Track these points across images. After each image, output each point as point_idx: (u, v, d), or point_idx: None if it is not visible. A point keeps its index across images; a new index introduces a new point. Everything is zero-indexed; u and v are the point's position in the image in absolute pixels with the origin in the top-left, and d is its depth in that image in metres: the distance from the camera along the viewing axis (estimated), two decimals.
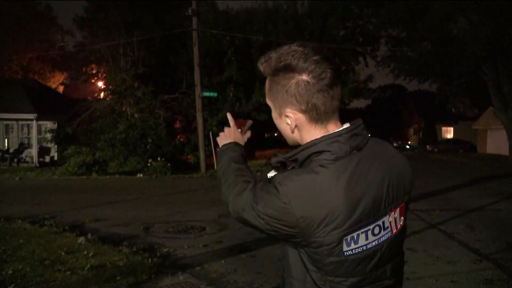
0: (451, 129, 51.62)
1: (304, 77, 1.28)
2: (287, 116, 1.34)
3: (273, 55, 1.33)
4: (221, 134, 1.71)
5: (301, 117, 1.32)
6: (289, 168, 1.34)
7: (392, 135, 57.87)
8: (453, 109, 51.72)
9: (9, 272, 5.34)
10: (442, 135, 53.08)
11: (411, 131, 62.22)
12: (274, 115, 1.41)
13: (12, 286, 4.80)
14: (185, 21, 22.42)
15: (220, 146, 1.67)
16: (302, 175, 1.27)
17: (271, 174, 1.36)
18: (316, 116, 1.31)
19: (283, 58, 1.30)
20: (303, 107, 1.30)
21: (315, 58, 1.28)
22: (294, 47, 1.30)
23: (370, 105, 68.45)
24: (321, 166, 1.26)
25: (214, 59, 25.31)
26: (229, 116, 1.77)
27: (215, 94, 22.21)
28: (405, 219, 1.39)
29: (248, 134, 1.75)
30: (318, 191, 1.23)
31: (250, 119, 1.80)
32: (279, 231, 1.28)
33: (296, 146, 1.38)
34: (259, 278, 5.43)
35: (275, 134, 58.09)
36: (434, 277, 5.46)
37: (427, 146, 47.57)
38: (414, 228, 7.99)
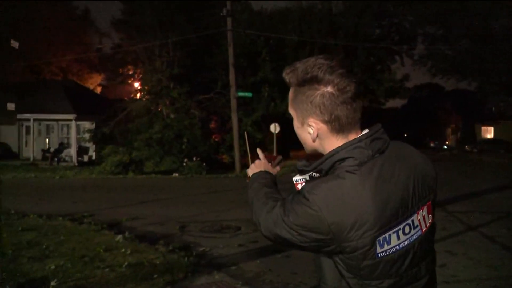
0: (491, 128, 50.11)
1: (329, 89, 1.32)
2: (309, 125, 1.38)
3: (300, 66, 1.38)
4: (251, 165, 1.77)
5: (323, 127, 1.36)
6: (316, 176, 1.39)
7: (429, 135, 56.66)
8: (493, 108, 50.21)
9: (52, 267, 5.47)
10: (481, 135, 51.62)
11: (449, 131, 60.73)
12: (296, 123, 1.45)
13: (55, 281, 4.92)
14: (219, 22, 22.54)
15: (251, 175, 1.71)
16: (329, 182, 1.30)
17: (296, 177, 1.45)
18: (338, 127, 1.35)
19: (309, 70, 1.34)
20: (326, 118, 1.35)
21: (340, 71, 1.32)
22: (320, 60, 1.35)
23: (406, 105, 67.15)
24: (347, 172, 1.30)
25: (249, 59, 25.34)
26: (259, 151, 1.82)
27: (250, 95, 22.24)
28: (433, 217, 1.42)
29: (278, 168, 1.80)
30: (347, 196, 1.27)
31: (280, 155, 1.88)
32: (312, 240, 1.31)
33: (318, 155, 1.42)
34: (295, 279, 5.40)
35: None
36: (475, 281, 5.31)
37: (466, 147, 46.30)
38: (453, 230, 7.79)
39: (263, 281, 5.33)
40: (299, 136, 1.46)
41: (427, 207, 1.39)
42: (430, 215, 1.40)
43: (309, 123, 1.38)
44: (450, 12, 25.47)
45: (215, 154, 23.40)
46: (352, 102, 1.33)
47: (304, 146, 1.47)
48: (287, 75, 1.41)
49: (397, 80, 33.43)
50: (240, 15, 27.37)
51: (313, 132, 1.38)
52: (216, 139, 25.03)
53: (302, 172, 1.43)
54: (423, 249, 1.37)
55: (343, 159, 1.32)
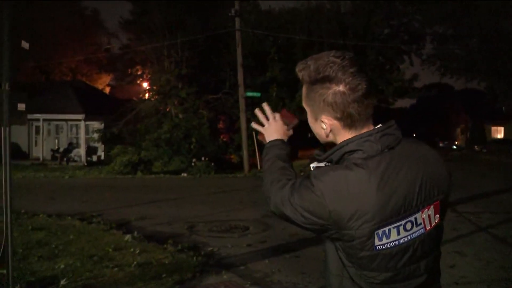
0: (501, 128, 49.76)
1: (341, 88, 1.35)
2: (322, 121, 1.42)
3: (312, 64, 1.40)
4: (267, 128, 1.72)
5: (336, 123, 1.40)
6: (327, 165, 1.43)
7: (438, 135, 56.29)
8: (503, 108, 49.79)
9: (61, 266, 5.51)
10: (491, 135, 51.24)
11: (458, 131, 60.31)
12: (310, 119, 1.49)
13: (64, 280, 4.95)
14: (228, 22, 22.54)
15: (267, 140, 1.69)
16: (336, 171, 1.35)
17: (313, 165, 1.48)
18: (351, 123, 1.39)
19: (321, 69, 1.37)
20: (338, 115, 1.38)
21: (351, 70, 1.34)
22: (332, 58, 1.37)
23: (415, 105, 66.78)
24: (354, 163, 1.33)
25: (257, 59, 25.31)
26: (266, 107, 1.76)
27: (259, 95, 22.24)
28: (440, 217, 1.42)
29: (291, 132, 1.75)
30: (350, 187, 1.30)
31: (295, 116, 1.76)
32: (313, 223, 1.35)
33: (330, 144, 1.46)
34: (304, 279, 5.39)
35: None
36: (486, 282, 5.26)
37: (475, 147, 45.98)
38: (462, 231, 7.74)
39: (272, 281, 5.33)
40: (313, 131, 1.50)
41: (434, 206, 1.39)
42: (437, 215, 1.40)
43: (322, 120, 1.42)
44: (460, 11, 25.29)
45: (223, 154, 23.40)
46: (364, 100, 1.36)
47: (318, 138, 1.51)
48: (299, 72, 1.43)
49: (406, 79, 33.24)
50: (249, 15, 27.37)
51: (326, 128, 1.42)
52: (225, 139, 25.04)
53: (318, 160, 1.47)
54: (425, 248, 1.37)
55: (352, 151, 1.36)
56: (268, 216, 9.14)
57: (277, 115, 1.73)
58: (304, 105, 1.48)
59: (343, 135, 1.41)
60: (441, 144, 50.44)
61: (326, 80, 1.36)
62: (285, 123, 1.72)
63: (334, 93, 1.35)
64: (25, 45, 4.13)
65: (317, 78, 1.38)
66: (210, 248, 6.82)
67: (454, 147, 51.38)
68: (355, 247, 1.32)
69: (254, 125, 1.79)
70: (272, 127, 1.71)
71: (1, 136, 4.00)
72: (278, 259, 6.28)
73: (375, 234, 1.30)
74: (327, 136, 1.44)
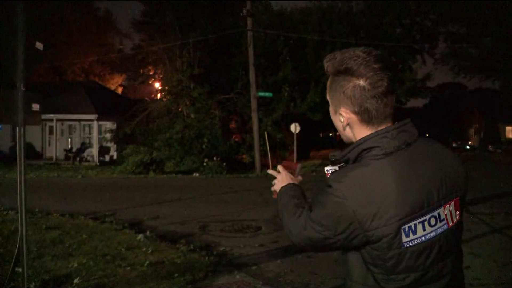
0: None
1: (361, 82, 1.36)
2: (341, 114, 1.44)
3: (338, 56, 1.41)
4: (277, 179, 1.78)
5: (353, 117, 1.41)
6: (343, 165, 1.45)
7: (451, 135, 55.82)
8: None
9: (75, 265, 5.55)
10: (505, 135, 50.71)
11: (472, 131, 59.81)
12: (331, 111, 1.51)
13: (77, 279, 4.99)
14: (239, 22, 22.55)
15: (278, 189, 1.73)
16: (354, 170, 1.35)
17: (328, 168, 1.50)
18: (368, 119, 1.39)
19: (345, 61, 1.38)
20: (356, 109, 1.39)
21: (375, 66, 1.35)
22: (358, 52, 1.38)
23: (428, 104, 66.33)
24: (373, 160, 1.34)
25: (269, 59, 25.28)
26: (269, 171, 1.87)
27: (270, 94, 22.22)
28: (460, 214, 1.43)
29: (300, 178, 1.83)
30: (371, 184, 1.31)
31: (299, 163, 1.88)
32: (339, 232, 1.33)
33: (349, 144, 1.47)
34: (315, 279, 5.37)
35: (330, 134, 57.47)
36: (501, 285, 5.22)
37: (489, 147, 45.55)
38: (477, 232, 7.66)
39: (284, 281, 5.32)
40: (334, 123, 1.52)
41: (454, 202, 1.40)
42: (457, 212, 1.41)
43: (341, 112, 1.44)
44: (474, 9, 25.02)
45: (235, 154, 23.41)
46: (383, 97, 1.36)
47: (340, 134, 1.52)
48: (326, 63, 1.46)
49: (419, 79, 32.99)
50: (260, 15, 27.35)
51: (343, 121, 1.44)
52: (236, 139, 25.05)
53: (333, 163, 1.48)
54: (449, 245, 1.38)
55: (370, 149, 1.36)
56: None
57: (280, 168, 1.79)
58: (327, 96, 1.50)
59: (360, 130, 1.42)
60: (454, 144, 49.99)
61: (348, 72, 1.38)
62: (290, 172, 1.79)
63: (354, 86, 1.37)
64: (39, 46, 4.17)
65: (339, 70, 1.39)
66: (222, 248, 6.82)
67: (468, 147, 50.90)
68: (382, 247, 1.31)
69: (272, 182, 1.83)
70: (278, 178, 1.76)
71: (16, 136, 4.04)
72: (290, 259, 6.26)
73: (402, 230, 1.30)
74: (344, 129, 1.46)
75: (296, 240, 1.48)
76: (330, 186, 1.34)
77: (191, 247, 6.64)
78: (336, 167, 1.46)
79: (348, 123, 1.43)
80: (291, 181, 1.72)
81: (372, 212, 1.29)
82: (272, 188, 1.79)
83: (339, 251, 1.45)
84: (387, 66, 1.37)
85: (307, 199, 1.61)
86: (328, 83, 1.47)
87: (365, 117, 1.39)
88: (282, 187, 1.71)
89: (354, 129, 1.43)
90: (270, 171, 1.84)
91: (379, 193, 1.30)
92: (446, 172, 1.39)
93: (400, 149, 1.35)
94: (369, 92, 1.35)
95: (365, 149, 1.37)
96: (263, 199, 11.87)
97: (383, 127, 1.39)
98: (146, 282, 5.04)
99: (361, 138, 1.39)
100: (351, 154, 1.40)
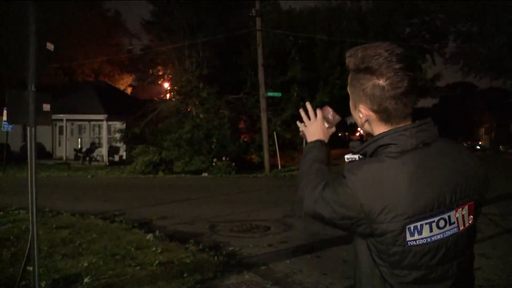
0: None
1: (381, 82, 1.35)
2: (360, 110, 1.45)
3: (360, 53, 1.39)
4: (308, 127, 1.75)
5: (372, 115, 1.42)
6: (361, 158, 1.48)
7: (461, 135, 55.43)
8: None
9: (85, 264, 5.58)
10: None
11: (482, 131, 59.35)
12: (351, 106, 1.51)
13: (88, 278, 5.01)
14: (248, 22, 22.56)
15: (308, 141, 1.72)
16: (370, 164, 1.36)
17: (348, 156, 1.53)
18: (386, 118, 1.40)
19: (366, 59, 1.37)
20: (375, 108, 1.40)
21: (396, 66, 1.33)
22: (380, 50, 1.36)
23: (438, 104, 65.93)
24: (388, 157, 1.35)
25: (278, 59, 25.27)
26: (308, 106, 1.80)
27: (279, 94, 22.19)
28: (474, 218, 1.41)
29: (334, 129, 1.79)
30: (383, 180, 1.32)
31: (337, 113, 1.77)
32: (344, 217, 1.36)
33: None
34: (325, 280, 5.36)
35: (339, 134, 57.35)
36: None
37: (500, 147, 45.17)
38: (488, 233, 7.60)
39: (293, 282, 5.32)
40: (353, 116, 1.53)
41: (468, 207, 1.38)
42: (471, 216, 1.39)
43: (360, 109, 1.45)
44: (485, 8, 24.80)
45: (244, 154, 23.41)
46: (403, 98, 1.36)
47: (359, 126, 1.53)
48: (347, 58, 1.45)
49: (428, 79, 32.82)
50: (269, 15, 27.35)
51: (362, 117, 1.45)
52: (245, 139, 25.05)
53: (353, 152, 1.51)
54: (458, 248, 1.36)
55: (386, 145, 1.37)
56: (289, 216, 9.15)
57: (319, 112, 1.75)
58: (348, 90, 1.50)
59: (378, 128, 1.43)
60: (464, 144, 49.57)
61: (369, 71, 1.37)
62: (327, 120, 1.74)
63: (374, 85, 1.36)
64: (50, 46, 4.20)
65: (360, 68, 1.39)
66: (231, 248, 6.83)
67: (478, 147, 50.47)
68: (386, 242, 1.32)
69: (298, 123, 1.82)
70: (313, 127, 1.74)
71: (27, 136, 4.07)
72: (299, 259, 6.26)
73: (407, 229, 1.30)
74: (363, 125, 1.48)
75: (306, 209, 1.49)
76: (344, 176, 1.36)
77: (200, 247, 6.65)
78: (356, 157, 1.49)
79: (366, 120, 1.45)
80: (323, 136, 1.72)
81: (380, 207, 1.30)
82: (301, 128, 1.78)
83: (350, 248, 1.47)
84: (409, 66, 1.35)
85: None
86: (349, 78, 1.47)
87: (384, 116, 1.40)
88: (310, 142, 1.71)
89: (373, 125, 1.45)
90: (308, 107, 1.79)
91: (390, 190, 1.30)
92: (463, 175, 1.38)
93: (417, 148, 1.35)
94: (389, 92, 1.35)
95: (381, 145, 1.38)
96: (272, 199, 11.88)
97: (401, 125, 1.39)
98: (156, 281, 5.05)
99: (379, 134, 1.40)
100: (368, 149, 1.42)
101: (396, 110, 1.37)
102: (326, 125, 1.74)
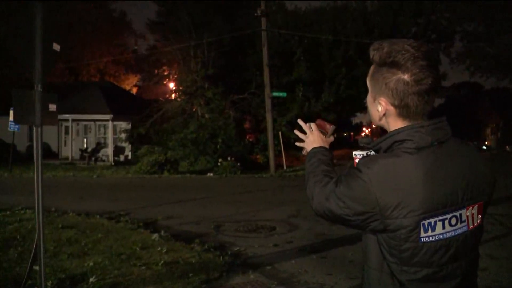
0: None
1: (406, 77, 1.36)
2: (379, 103, 1.44)
3: (386, 47, 1.40)
4: (306, 140, 1.79)
5: (391, 109, 1.42)
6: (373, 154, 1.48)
7: (467, 135, 55.20)
8: None
9: (90, 264, 5.60)
10: None
11: (488, 131, 59.08)
12: (369, 98, 1.51)
13: (93, 277, 5.03)
14: (253, 22, 22.57)
15: (310, 149, 1.74)
16: (386, 158, 1.37)
17: (356, 152, 1.57)
18: (406, 113, 1.40)
19: (393, 54, 1.38)
20: (396, 103, 1.40)
21: (422, 63, 1.34)
22: (407, 46, 1.37)
23: (444, 104, 65.69)
24: (404, 153, 1.36)
25: (283, 59, 25.26)
26: (300, 122, 1.85)
27: (285, 94, 22.18)
28: (482, 218, 1.44)
29: (332, 138, 1.83)
30: (399, 175, 1.32)
31: (333, 124, 1.84)
32: (358, 213, 1.35)
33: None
34: (330, 280, 5.35)
35: (344, 134, 57.26)
36: None
37: (507, 147, 44.95)
38: (494, 233, 7.56)
39: (298, 282, 5.31)
40: (369, 110, 1.54)
41: (478, 206, 1.41)
42: (480, 216, 1.41)
43: (380, 101, 1.44)
44: (491, 8, 24.68)
45: (249, 154, 23.41)
46: (425, 95, 1.37)
47: (372, 120, 1.54)
48: (372, 51, 1.45)
49: None
50: (275, 15, 27.33)
51: (381, 110, 1.45)
52: (251, 139, 25.07)
53: (363, 149, 1.53)
54: (466, 246, 1.38)
55: (402, 141, 1.38)
56: (295, 216, 9.14)
57: (313, 126, 1.79)
58: (368, 82, 1.50)
59: (395, 123, 1.43)
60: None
61: (394, 66, 1.37)
62: (322, 132, 1.79)
63: (398, 80, 1.37)
64: (56, 47, 4.22)
65: (386, 62, 1.39)
66: (236, 248, 6.83)
67: (484, 147, 50.25)
68: (399, 237, 1.32)
69: (297, 144, 1.86)
70: (311, 138, 1.78)
71: (33, 136, 4.09)
72: (305, 259, 6.25)
73: (421, 224, 1.31)
74: (380, 119, 1.48)
75: (316, 207, 1.50)
76: (359, 170, 1.36)
77: (206, 247, 6.66)
78: (364, 153, 1.51)
79: (385, 113, 1.45)
80: (322, 144, 1.75)
81: (395, 202, 1.30)
82: (301, 145, 1.81)
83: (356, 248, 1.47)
84: (434, 64, 1.37)
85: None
86: (371, 71, 1.47)
87: (404, 111, 1.40)
88: (313, 148, 1.73)
89: (390, 120, 1.45)
90: (301, 123, 1.84)
91: (405, 185, 1.31)
92: (474, 176, 1.40)
93: (432, 145, 1.37)
94: (412, 88, 1.36)
95: (397, 141, 1.39)
96: (277, 199, 11.87)
97: (418, 122, 1.40)
98: (161, 281, 5.06)
99: (395, 130, 1.41)
100: (383, 144, 1.43)
101: (417, 107, 1.38)
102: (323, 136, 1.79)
